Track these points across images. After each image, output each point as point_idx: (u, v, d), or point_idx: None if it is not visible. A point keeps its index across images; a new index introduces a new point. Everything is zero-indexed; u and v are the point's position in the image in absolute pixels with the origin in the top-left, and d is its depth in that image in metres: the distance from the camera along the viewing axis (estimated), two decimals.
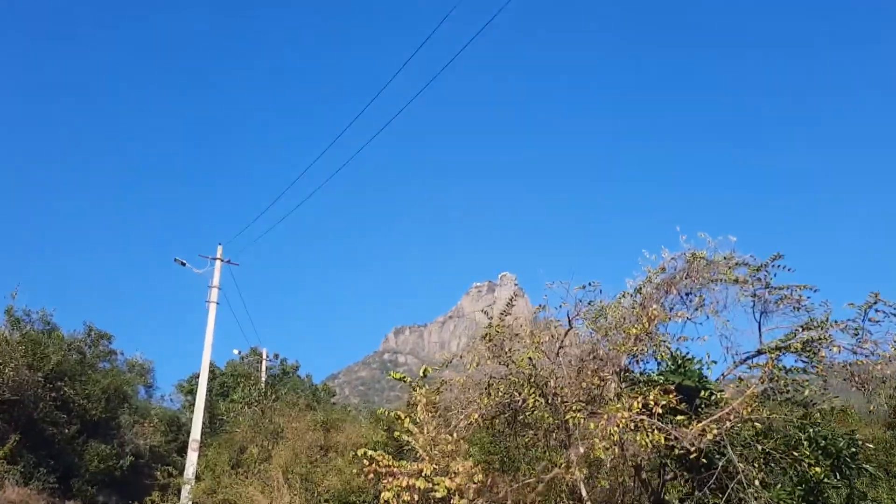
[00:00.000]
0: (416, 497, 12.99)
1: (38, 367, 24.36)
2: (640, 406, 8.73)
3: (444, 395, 12.93)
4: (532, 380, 10.50)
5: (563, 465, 11.87)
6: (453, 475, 13.14)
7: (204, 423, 23.60)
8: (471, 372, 11.04)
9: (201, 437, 23.17)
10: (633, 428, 8.64)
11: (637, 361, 10.39)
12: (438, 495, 13.08)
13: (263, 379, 33.41)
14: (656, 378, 9.74)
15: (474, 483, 13.58)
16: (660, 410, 8.72)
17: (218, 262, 25.80)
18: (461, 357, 11.40)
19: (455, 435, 13.94)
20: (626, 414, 8.65)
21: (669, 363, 9.73)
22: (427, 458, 13.03)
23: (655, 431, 8.62)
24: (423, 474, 13.06)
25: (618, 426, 8.53)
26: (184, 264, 25.55)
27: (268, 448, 21.40)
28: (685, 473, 9.39)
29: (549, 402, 10.53)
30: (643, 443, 8.55)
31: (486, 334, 10.90)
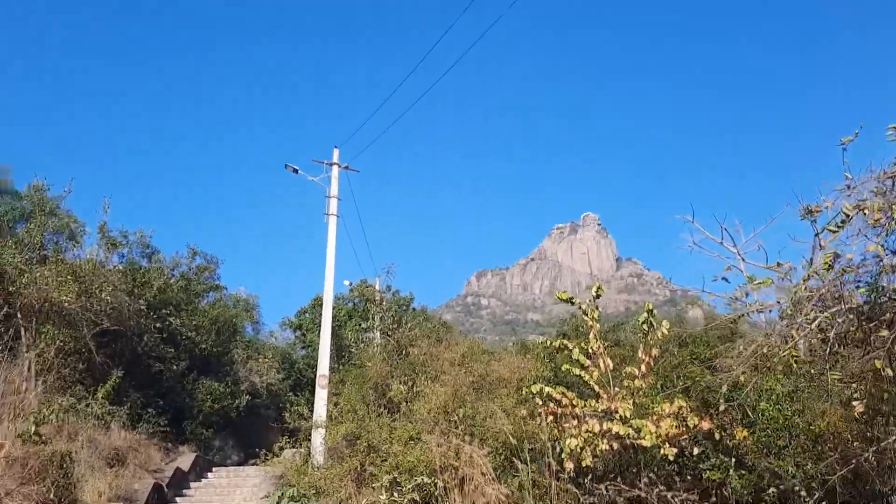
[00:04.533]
0: (613, 445, 9.87)
1: (138, 294, 21.02)
2: None
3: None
4: None
5: None
6: (656, 418, 9.77)
7: (331, 356, 19.82)
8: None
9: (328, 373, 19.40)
10: None
11: None
12: (645, 443, 9.67)
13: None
14: None
15: (677, 429, 9.82)
16: None
17: (335, 168, 21.50)
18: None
19: (643, 368, 10.05)
20: None
21: None
22: (605, 395, 10.08)
23: None
24: (617, 416, 9.71)
25: None
26: (296, 171, 21.38)
27: (410, 385, 17.50)
28: None
29: None
30: None
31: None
